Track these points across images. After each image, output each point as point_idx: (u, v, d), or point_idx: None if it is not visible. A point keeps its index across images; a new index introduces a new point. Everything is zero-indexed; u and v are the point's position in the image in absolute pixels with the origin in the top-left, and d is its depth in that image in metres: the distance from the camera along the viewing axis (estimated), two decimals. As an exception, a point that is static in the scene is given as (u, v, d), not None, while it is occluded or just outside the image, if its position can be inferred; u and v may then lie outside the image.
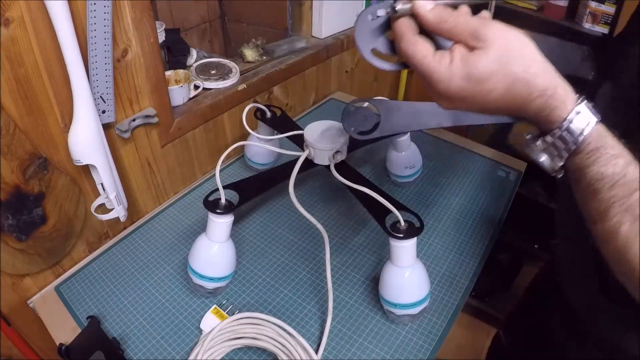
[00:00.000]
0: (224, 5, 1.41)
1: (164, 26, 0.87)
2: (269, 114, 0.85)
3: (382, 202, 0.62)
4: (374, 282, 0.71)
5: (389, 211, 0.61)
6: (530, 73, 0.35)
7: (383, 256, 0.76)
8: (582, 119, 0.35)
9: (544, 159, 0.38)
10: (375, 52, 0.41)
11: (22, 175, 0.63)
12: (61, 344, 0.61)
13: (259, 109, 0.85)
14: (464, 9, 0.40)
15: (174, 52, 0.95)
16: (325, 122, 0.74)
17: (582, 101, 0.35)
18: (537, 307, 0.76)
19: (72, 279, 0.73)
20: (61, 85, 0.62)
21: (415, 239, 0.60)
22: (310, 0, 1.15)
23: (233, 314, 0.64)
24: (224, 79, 0.94)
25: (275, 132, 0.85)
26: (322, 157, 0.71)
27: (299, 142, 0.77)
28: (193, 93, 0.89)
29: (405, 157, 0.87)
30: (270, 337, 0.60)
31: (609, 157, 0.34)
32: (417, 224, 0.61)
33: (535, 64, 0.35)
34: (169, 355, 0.62)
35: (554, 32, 1.29)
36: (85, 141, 0.63)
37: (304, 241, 0.80)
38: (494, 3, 1.31)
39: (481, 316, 1.50)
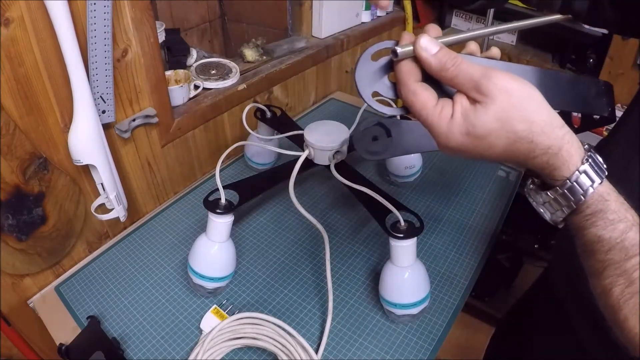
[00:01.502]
0: (224, 5, 1.41)
1: (164, 26, 0.87)
2: (269, 114, 0.85)
3: (382, 202, 0.62)
4: (374, 282, 0.71)
5: (389, 211, 0.61)
6: (533, 131, 0.33)
7: (383, 256, 0.76)
8: (585, 180, 0.34)
9: (543, 211, 0.38)
10: (376, 95, 0.39)
11: (22, 175, 0.63)
12: (61, 344, 0.61)
13: (259, 109, 0.85)
14: (472, 46, 0.39)
15: (174, 52, 0.95)
16: (325, 122, 0.74)
17: (588, 159, 0.34)
18: (532, 308, 0.76)
19: (72, 279, 0.73)
20: (61, 85, 0.62)
21: (415, 239, 0.60)
22: (310, 0, 1.15)
23: (233, 314, 0.64)
24: (224, 79, 0.94)
25: (275, 132, 0.85)
26: (322, 157, 0.71)
27: (299, 142, 0.77)
28: (193, 93, 0.89)
29: (406, 157, 0.87)
30: (270, 337, 0.60)
31: (608, 221, 0.34)
32: (417, 224, 0.61)
33: (539, 121, 0.34)
34: (169, 355, 0.62)
35: (554, 32, 1.29)
36: (85, 141, 0.63)
37: (304, 241, 0.80)
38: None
39: (481, 316, 1.50)
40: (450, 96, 0.37)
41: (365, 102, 0.39)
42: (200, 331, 0.64)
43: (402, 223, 0.61)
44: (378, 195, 0.62)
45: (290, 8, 1.18)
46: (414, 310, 0.63)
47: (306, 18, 1.18)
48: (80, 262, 0.77)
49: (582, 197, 0.34)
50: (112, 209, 0.71)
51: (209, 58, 1.00)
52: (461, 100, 0.35)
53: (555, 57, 1.40)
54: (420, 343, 0.64)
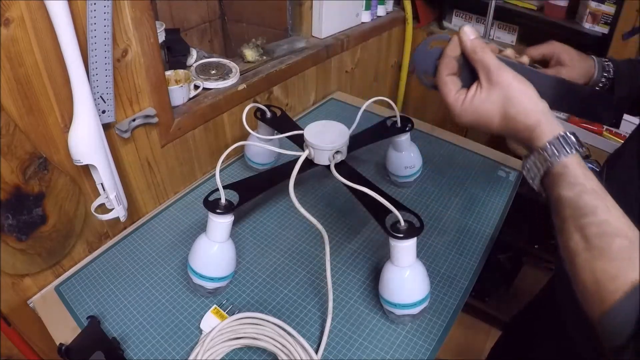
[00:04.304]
0: (224, 5, 1.41)
1: (164, 26, 0.87)
2: (269, 114, 0.85)
3: (382, 202, 0.62)
4: (374, 282, 0.71)
5: (389, 211, 0.61)
6: (521, 113, 0.46)
7: (383, 256, 0.76)
8: (554, 151, 0.43)
9: (526, 174, 0.47)
10: (425, 74, 0.54)
11: (22, 175, 0.63)
12: (61, 344, 0.61)
13: (259, 109, 0.85)
14: (508, 52, 0.52)
15: (174, 52, 0.95)
16: (325, 122, 0.74)
17: (558, 138, 0.43)
18: (535, 318, 0.76)
19: (72, 279, 0.73)
20: (61, 85, 0.62)
21: (415, 239, 0.60)
22: (310, 0, 1.15)
23: (233, 314, 0.64)
24: (224, 79, 0.94)
25: (275, 132, 0.85)
26: (322, 157, 0.71)
27: (299, 142, 0.77)
28: (193, 93, 0.89)
29: (405, 157, 0.87)
30: (270, 337, 0.60)
31: (567, 183, 0.41)
32: (417, 224, 0.61)
33: (527, 107, 0.46)
34: (169, 355, 0.62)
35: (554, 32, 1.29)
36: (85, 141, 0.63)
37: (304, 241, 0.80)
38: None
39: (481, 316, 1.50)
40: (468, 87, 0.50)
41: (418, 77, 0.54)
42: (200, 331, 0.64)
43: (402, 223, 0.61)
44: (378, 195, 0.62)
45: (290, 8, 1.18)
46: (414, 310, 0.63)
47: (306, 18, 1.18)
48: (80, 262, 0.77)
49: (550, 164, 0.43)
50: (112, 209, 0.71)
51: (209, 58, 1.00)
52: (472, 90, 0.49)
53: (555, 57, 1.40)
54: (420, 343, 0.64)
